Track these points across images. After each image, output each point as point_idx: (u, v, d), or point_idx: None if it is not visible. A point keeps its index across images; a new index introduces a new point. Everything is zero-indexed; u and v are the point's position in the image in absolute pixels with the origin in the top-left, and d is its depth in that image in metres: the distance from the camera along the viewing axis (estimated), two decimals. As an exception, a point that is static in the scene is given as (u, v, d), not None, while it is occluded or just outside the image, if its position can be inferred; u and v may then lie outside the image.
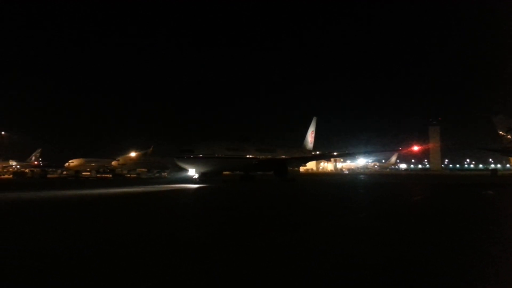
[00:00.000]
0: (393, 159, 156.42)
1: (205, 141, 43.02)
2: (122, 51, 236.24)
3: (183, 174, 45.67)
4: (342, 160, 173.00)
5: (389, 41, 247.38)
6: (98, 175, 72.25)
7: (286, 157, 52.04)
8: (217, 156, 40.39)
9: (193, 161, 38.13)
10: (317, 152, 69.53)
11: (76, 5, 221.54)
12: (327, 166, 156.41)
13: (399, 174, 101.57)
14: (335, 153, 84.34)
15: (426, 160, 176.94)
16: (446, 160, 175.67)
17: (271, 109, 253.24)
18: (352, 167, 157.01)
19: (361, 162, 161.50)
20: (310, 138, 68.40)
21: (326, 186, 38.32)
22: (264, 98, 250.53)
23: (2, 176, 73.77)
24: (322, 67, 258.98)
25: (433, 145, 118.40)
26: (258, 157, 47.42)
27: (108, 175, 70.92)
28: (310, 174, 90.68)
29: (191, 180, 38.35)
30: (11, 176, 71.88)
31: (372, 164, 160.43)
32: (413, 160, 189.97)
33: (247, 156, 46.25)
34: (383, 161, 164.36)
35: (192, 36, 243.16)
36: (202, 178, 38.85)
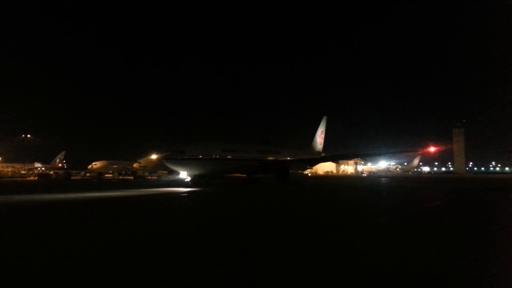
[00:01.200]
0: (416, 161, 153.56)
1: (198, 142, 39.89)
2: (144, 55, 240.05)
3: (177, 177, 43.33)
4: (363, 163, 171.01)
5: (413, 39, 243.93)
6: (120, 177, 73.33)
7: (289, 158, 48.95)
8: (211, 158, 37.62)
9: (184, 163, 35.60)
10: (322, 154, 65.59)
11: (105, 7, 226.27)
12: (348, 169, 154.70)
13: (422, 177, 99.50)
14: (345, 155, 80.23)
15: (449, 163, 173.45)
16: (471, 163, 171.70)
17: (279, 109, 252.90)
18: (373, 170, 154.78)
19: (383, 165, 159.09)
20: (319, 138, 65.04)
21: (333, 191, 33.38)
22: (272, 98, 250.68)
23: (28, 178, 75.65)
24: (338, 66, 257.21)
25: (450, 146, 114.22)
26: (257, 158, 44.79)
27: (130, 177, 71.84)
28: (325, 177, 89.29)
29: (183, 184, 35.98)
30: (36, 178, 73.60)
31: (394, 167, 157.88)
32: (436, 163, 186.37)
33: (246, 157, 43.36)
34: (405, 164, 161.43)
35: (208, 38, 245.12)
36: (195, 181, 36.71)
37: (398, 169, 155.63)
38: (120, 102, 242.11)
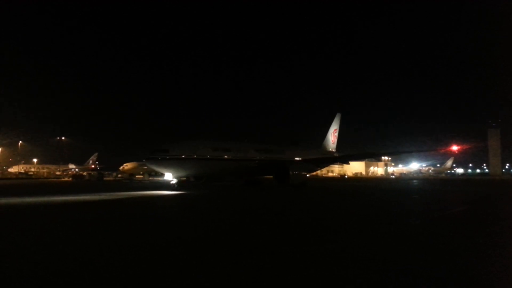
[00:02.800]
0: (449, 163, 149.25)
1: (185, 140, 36.56)
2: (170, 55, 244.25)
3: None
4: (393, 164, 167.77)
5: (447, 35, 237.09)
6: (150, 178, 74.83)
7: (298, 159, 45.34)
8: (199, 158, 33.94)
9: (167, 164, 32.20)
10: (335, 154, 60.31)
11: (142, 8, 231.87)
12: (377, 170, 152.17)
13: (455, 179, 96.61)
14: (360, 154, 72.17)
15: (484, 165, 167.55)
16: (507, 165, 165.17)
17: (286, 108, 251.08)
18: (404, 172, 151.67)
19: (414, 166, 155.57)
20: (332, 137, 59.86)
21: (341, 197, 28.18)
22: (282, 96, 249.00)
23: (62, 179, 78.35)
24: (356, 60, 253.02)
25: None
26: (256, 159, 40.99)
27: (159, 178, 73.18)
28: (340, 179, 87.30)
29: (168, 186, 33.07)
30: (70, 179, 76.09)
31: (426, 168, 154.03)
32: (470, 164, 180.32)
33: (243, 157, 39.70)
34: (438, 165, 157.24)
35: (210, 38, 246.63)
36: (181, 184, 33.83)
37: (430, 170, 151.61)
38: (150, 104, 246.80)
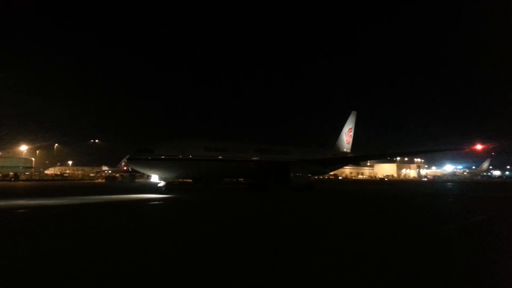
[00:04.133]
0: (485, 165, 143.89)
1: (173, 139, 33.69)
2: (205, 56, 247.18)
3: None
4: (426, 166, 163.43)
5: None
6: (179, 180, 75.62)
7: (295, 159, 41.24)
8: (187, 158, 30.94)
9: (151, 165, 29.44)
10: (350, 154, 56.02)
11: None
12: (410, 173, 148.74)
13: (492, 182, 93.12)
14: (375, 155, 65.26)
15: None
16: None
17: (295, 104, 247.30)
18: (438, 174, 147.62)
19: (448, 168, 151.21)
20: (346, 137, 55.58)
21: (338, 203, 25.05)
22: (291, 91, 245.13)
23: (96, 180, 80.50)
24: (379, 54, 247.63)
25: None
26: (256, 159, 37.99)
27: (189, 180, 73.86)
28: (359, 182, 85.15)
29: (155, 189, 30.55)
30: (103, 180, 78.04)
31: (461, 170, 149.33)
32: (508, 167, 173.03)
33: (240, 158, 36.73)
34: (474, 167, 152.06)
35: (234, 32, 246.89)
36: (165, 187, 30.39)
37: (465, 173, 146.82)
38: (178, 108, 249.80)
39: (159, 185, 30.18)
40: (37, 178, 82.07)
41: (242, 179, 45.33)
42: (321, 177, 73.08)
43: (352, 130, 56.73)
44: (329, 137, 56.94)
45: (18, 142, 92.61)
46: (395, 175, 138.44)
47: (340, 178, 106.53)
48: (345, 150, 55.18)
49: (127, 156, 32.26)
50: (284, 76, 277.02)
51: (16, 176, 73.56)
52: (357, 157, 55.20)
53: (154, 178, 30.36)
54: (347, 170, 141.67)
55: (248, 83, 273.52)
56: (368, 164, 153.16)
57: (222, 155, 34.68)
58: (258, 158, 38.10)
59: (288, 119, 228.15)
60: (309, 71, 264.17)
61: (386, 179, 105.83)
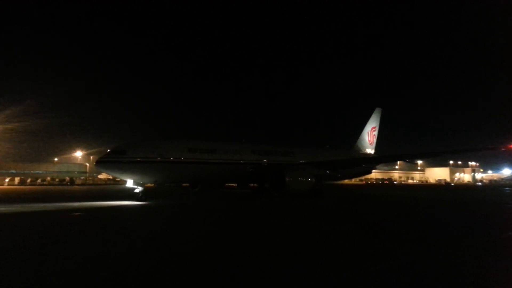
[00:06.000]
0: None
1: (149, 140, 30.64)
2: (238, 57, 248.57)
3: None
4: (482, 170, 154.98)
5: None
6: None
7: (298, 161, 37.04)
8: (167, 161, 27.69)
9: (122, 168, 26.12)
10: (373, 156, 50.39)
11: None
12: (464, 177, 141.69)
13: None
14: (396, 155, 54.14)
15: None
16: None
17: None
18: (495, 178, 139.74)
19: (507, 172, 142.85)
20: (369, 136, 50.32)
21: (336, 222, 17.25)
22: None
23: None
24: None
25: None
26: (253, 162, 33.76)
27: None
28: (393, 186, 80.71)
29: (133, 195, 27.22)
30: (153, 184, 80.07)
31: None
32: None
33: (233, 160, 32.56)
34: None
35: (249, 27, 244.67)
36: (143, 192, 27.22)
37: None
38: (201, 111, 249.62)
39: (135, 190, 27.04)
40: (91, 182, 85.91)
41: (225, 182, 40.12)
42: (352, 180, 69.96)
43: (376, 129, 51.80)
44: (348, 137, 53.01)
45: (73, 148, 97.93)
46: (448, 179, 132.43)
47: (395, 183, 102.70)
48: (367, 151, 50.04)
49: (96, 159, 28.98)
50: (300, 74, 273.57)
51: (72, 181, 77.46)
52: (371, 158, 48.65)
53: (129, 183, 27.14)
54: (396, 175, 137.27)
55: (252, 84, 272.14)
56: (419, 168, 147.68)
57: (210, 156, 30.83)
58: (255, 161, 34.01)
59: (306, 120, 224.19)
60: (331, 68, 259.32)
61: (444, 183, 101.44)
